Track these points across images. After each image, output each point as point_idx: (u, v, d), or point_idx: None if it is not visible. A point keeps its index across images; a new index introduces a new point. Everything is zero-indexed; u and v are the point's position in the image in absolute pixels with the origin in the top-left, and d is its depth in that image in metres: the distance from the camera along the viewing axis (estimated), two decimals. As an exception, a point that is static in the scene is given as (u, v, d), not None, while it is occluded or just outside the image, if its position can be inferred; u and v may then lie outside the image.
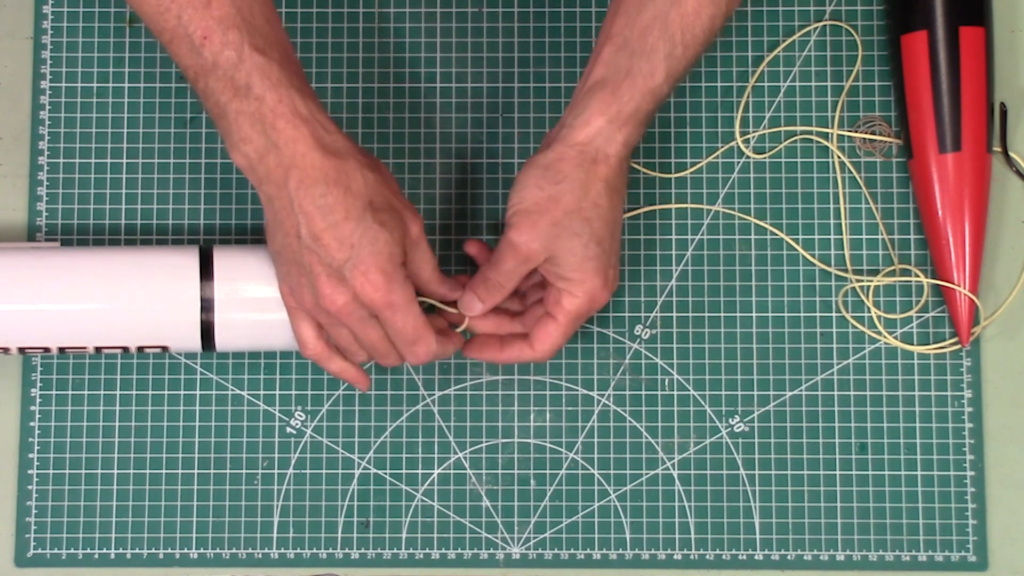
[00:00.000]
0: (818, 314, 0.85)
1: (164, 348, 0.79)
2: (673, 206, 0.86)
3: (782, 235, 0.86)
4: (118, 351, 0.80)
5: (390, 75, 0.87)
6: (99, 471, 0.85)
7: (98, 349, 0.79)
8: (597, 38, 0.77)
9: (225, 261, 0.79)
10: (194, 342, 0.79)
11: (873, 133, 0.86)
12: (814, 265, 0.86)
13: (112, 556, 0.84)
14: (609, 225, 0.76)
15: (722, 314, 0.86)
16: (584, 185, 0.75)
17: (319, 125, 0.72)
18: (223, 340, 0.78)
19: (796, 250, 0.86)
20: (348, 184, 0.72)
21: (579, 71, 0.87)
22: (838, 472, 0.85)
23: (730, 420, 0.85)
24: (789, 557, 0.84)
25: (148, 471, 0.85)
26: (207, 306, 0.78)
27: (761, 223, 0.86)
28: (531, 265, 0.77)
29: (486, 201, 0.86)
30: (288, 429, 0.85)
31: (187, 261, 0.79)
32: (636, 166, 0.86)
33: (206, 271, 0.78)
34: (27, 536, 0.84)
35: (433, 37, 0.87)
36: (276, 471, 0.85)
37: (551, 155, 0.75)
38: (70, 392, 0.85)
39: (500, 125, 0.87)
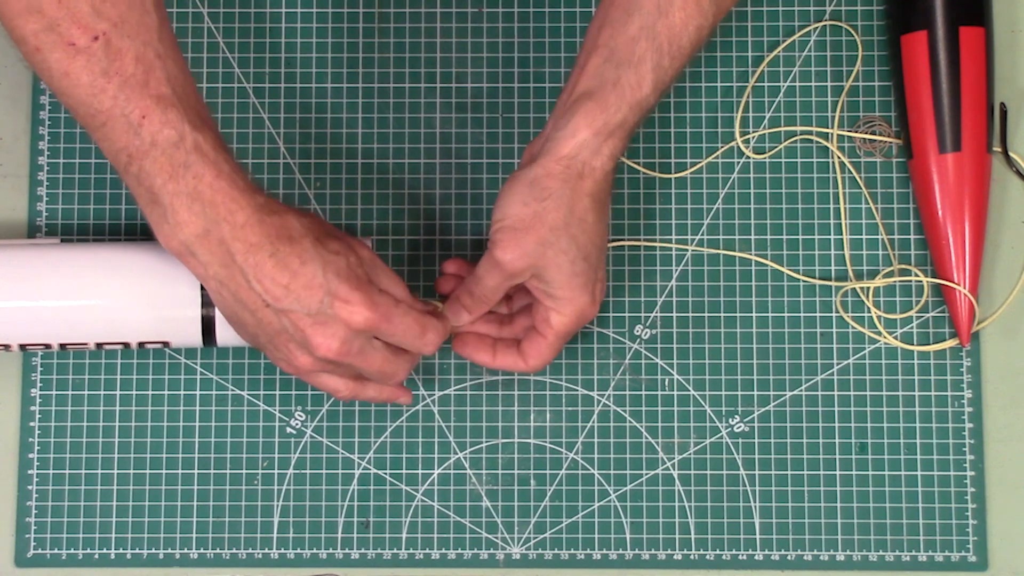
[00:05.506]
0: (818, 314, 0.85)
1: (165, 344, 0.80)
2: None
3: (784, 269, 0.86)
4: (119, 347, 0.80)
5: (390, 75, 0.87)
6: (99, 471, 0.85)
7: (99, 345, 0.79)
8: (581, 49, 0.76)
9: (226, 256, 0.79)
10: (195, 337, 0.79)
11: (873, 133, 0.86)
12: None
13: (112, 556, 0.84)
14: (595, 240, 0.76)
15: (722, 314, 0.86)
16: (570, 201, 0.74)
17: (256, 193, 0.72)
18: (224, 335, 0.78)
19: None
20: (290, 234, 0.72)
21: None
22: (838, 472, 0.85)
23: (730, 420, 0.85)
24: (789, 557, 0.84)
25: (148, 471, 0.85)
26: (208, 300, 0.78)
27: (749, 256, 0.86)
28: (516, 281, 0.77)
29: (485, 201, 0.86)
30: (288, 429, 0.85)
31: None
32: (636, 166, 0.86)
33: (206, 265, 0.79)
34: (27, 536, 0.84)
35: (433, 37, 0.87)
36: (276, 471, 0.85)
37: (536, 170, 0.75)
38: (70, 392, 0.85)
39: (500, 125, 0.87)
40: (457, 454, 0.85)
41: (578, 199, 0.74)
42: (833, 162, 0.86)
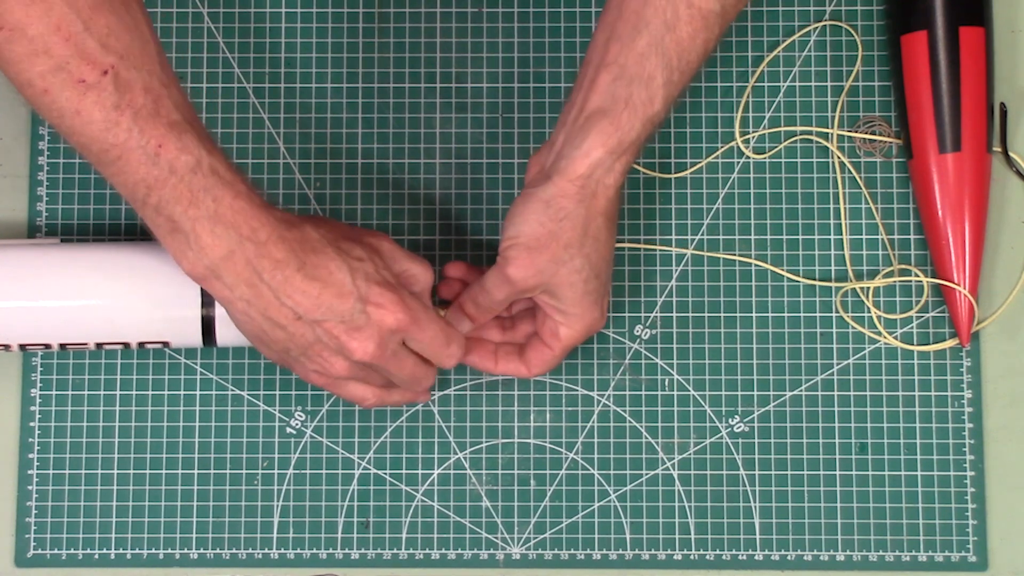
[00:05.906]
0: (818, 314, 0.85)
1: (165, 344, 0.80)
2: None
3: (783, 272, 0.86)
4: (119, 347, 0.80)
5: (390, 75, 0.87)
6: (99, 471, 0.85)
7: (99, 345, 0.79)
8: (586, 63, 0.76)
9: (226, 255, 0.79)
10: (195, 337, 0.79)
11: (873, 133, 0.86)
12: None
13: (112, 556, 0.84)
14: (606, 256, 0.76)
15: (722, 314, 0.86)
16: (585, 221, 0.74)
17: (272, 209, 0.72)
18: (224, 335, 0.78)
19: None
20: (313, 246, 0.72)
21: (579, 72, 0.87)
22: (838, 472, 0.85)
23: (730, 420, 0.85)
24: (789, 557, 0.84)
25: (148, 471, 0.85)
26: (208, 300, 0.78)
27: (749, 260, 0.86)
28: (525, 296, 0.77)
29: (486, 201, 0.86)
30: (288, 429, 0.85)
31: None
32: (636, 166, 0.86)
33: (206, 265, 0.79)
34: (27, 536, 0.84)
35: (433, 37, 0.87)
36: (276, 471, 0.85)
37: (551, 189, 0.74)
38: (70, 392, 0.85)
39: (500, 125, 0.87)
40: (457, 454, 0.85)
41: (592, 219, 0.74)
42: (833, 162, 0.86)
